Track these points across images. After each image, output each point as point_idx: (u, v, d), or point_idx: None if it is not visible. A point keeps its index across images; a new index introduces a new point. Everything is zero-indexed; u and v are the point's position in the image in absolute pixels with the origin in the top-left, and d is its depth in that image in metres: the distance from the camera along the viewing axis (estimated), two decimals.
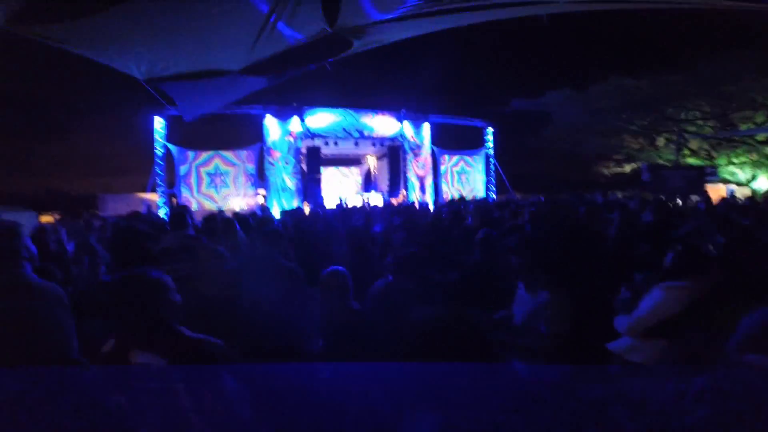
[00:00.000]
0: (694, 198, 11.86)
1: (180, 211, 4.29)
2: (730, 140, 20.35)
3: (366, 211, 6.43)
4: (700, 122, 21.04)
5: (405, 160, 14.73)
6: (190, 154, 12.45)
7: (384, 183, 15.90)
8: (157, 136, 12.15)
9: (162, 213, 11.54)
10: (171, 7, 2.86)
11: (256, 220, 5.43)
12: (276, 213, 10.18)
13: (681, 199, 12.14)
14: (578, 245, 3.25)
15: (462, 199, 10.30)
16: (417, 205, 10.41)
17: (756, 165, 20.07)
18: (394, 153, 14.83)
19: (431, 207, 11.10)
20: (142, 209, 13.94)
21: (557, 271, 2.21)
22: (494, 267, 2.62)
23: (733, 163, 20.64)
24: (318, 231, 5.27)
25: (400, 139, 14.61)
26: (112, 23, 2.88)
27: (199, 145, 12.82)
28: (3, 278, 1.70)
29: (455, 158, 16.18)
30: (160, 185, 12.39)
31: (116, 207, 18.56)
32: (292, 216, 5.59)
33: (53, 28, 2.85)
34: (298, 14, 2.94)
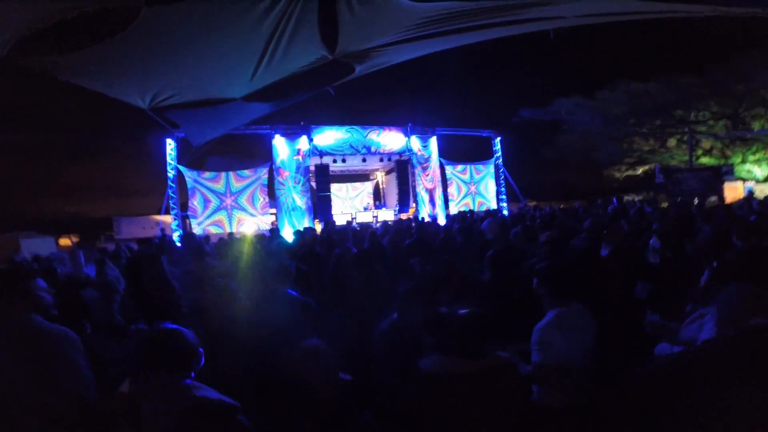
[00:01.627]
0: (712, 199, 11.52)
1: (199, 241, 4.32)
2: (743, 138, 19.97)
3: (372, 230, 6.26)
4: (711, 122, 20.71)
5: (413, 174, 14.68)
6: (200, 175, 12.52)
7: (393, 197, 15.86)
8: (169, 159, 12.28)
9: (176, 236, 11.64)
10: (171, 38, 2.89)
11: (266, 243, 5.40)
12: (287, 234, 10.15)
13: (699, 200, 11.82)
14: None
15: (471, 212, 10.12)
16: (427, 220, 10.26)
17: None
18: (402, 167, 14.82)
19: (441, 220, 10.97)
20: (156, 232, 14.11)
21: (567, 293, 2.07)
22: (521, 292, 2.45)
23: (749, 161, 20.20)
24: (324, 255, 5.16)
25: (407, 153, 14.61)
26: (113, 55, 2.90)
27: (208, 166, 12.97)
28: (10, 325, 1.70)
29: (460, 167, 16.04)
30: (173, 208, 12.48)
31: (131, 230, 18.81)
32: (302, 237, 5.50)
33: (58, 60, 2.88)
34: (296, 42, 2.95)
